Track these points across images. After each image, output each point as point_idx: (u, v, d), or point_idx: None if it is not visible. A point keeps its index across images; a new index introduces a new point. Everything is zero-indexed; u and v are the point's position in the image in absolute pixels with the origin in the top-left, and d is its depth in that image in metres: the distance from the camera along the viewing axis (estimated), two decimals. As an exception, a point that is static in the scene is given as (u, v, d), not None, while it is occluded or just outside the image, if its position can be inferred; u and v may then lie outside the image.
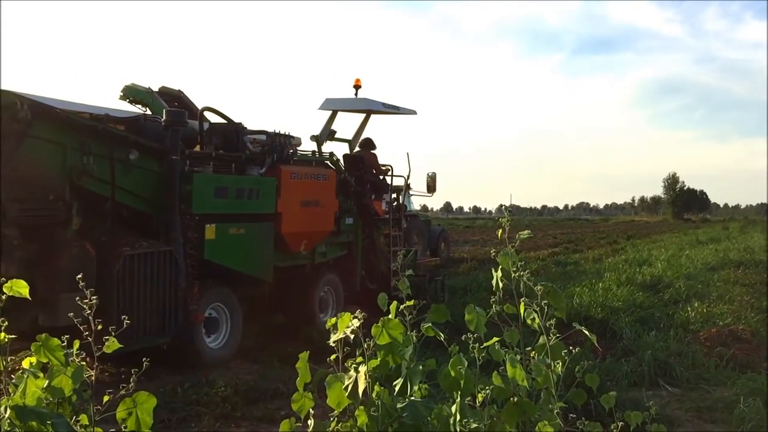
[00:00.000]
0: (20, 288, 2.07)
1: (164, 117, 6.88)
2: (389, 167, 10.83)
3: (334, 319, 2.31)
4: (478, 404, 2.29)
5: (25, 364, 2.05)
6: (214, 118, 8.04)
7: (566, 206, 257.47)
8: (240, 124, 7.88)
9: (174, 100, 9.04)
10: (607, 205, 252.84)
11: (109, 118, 6.78)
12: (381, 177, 10.78)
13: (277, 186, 7.87)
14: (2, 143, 5.39)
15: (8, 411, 1.86)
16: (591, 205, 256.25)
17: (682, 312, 9.51)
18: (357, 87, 10.56)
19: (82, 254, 5.82)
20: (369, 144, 10.97)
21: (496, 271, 2.35)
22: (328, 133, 10.30)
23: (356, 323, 2.20)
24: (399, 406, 2.16)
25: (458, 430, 2.21)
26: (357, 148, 10.91)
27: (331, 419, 2.21)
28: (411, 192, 11.29)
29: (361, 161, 10.43)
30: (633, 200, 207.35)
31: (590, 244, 29.21)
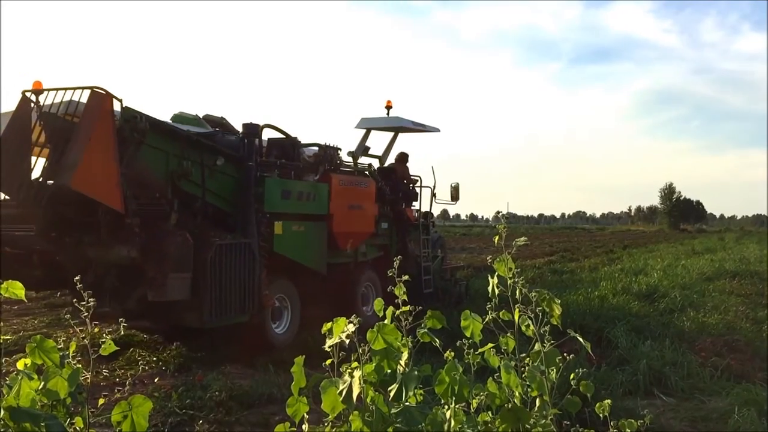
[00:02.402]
0: (16, 289, 2.06)
1: (242, 130, 8.13)
2: (418, 178, 11.99)
3: (329, 324, 2.32)
4: (472, 410, 2.29)
5: (20, 365, 2.04)
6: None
7: (563, 215, 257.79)
8: (296, 138, 9.01)
9: (217, 125, 9.49)
10: (603, 214, 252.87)
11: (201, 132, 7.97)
12: (411, 187, 11.90)
13: (329, 191, 9.13)
14: (125, 149, 6.59)
15: (2, 412, 1.86)
16: (588, 214, 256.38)
17: (677, 322, 9.53)
18: (389, 107, 11.52)
19: (184, 242, 6.80)
20: (403, 158, 12.06)
21: (492, 277, 2.36)
22: (363, 149, 11.34)
23: (351, 328, 2.21)
24: (393, 411, 2.16)
25: (452, 436, 2.21)
26: (392, 161, 11.99)
27: (326, 424, 2.21)
28: (436, 200, 12.33)
29: (393, 173, 11.58)
30: (630, 210, 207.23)
31: (586, 252, 29.25)
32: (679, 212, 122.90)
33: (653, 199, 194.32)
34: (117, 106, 6.70)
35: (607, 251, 30.56)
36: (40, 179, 6.83)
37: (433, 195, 12.25)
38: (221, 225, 7.70)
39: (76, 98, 6.80)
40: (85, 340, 2.08)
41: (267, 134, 8.90)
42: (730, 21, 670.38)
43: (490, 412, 2.29)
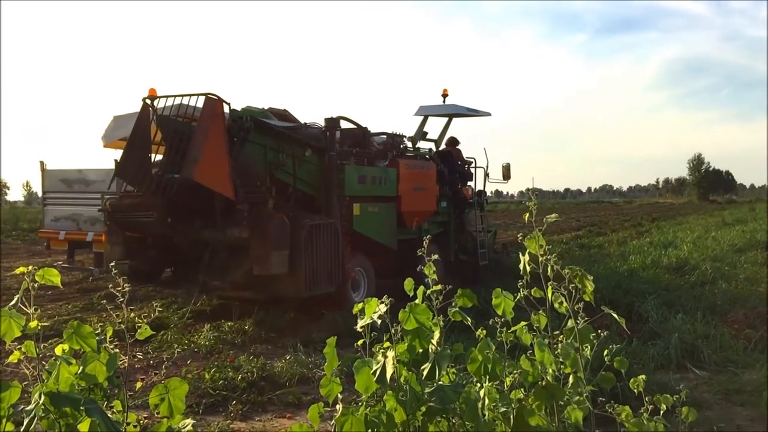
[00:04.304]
0: (52, 276, 2.09)
1: (324, 124, 9.03)
2: (473, 159, 12.83)
3: (361, 305, 2.32)
4: (505, 388, 2.28)
5: (58, 350, 2.08)
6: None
7: (589, 189, 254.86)
8: (366, 128, 10.07)
9: (282, 116, 9.88)
10: (630, 187, 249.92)
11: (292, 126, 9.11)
12: (466, 168, 12.76)
13: (397, 174, 10.13)
14: (233, 145, 7.79)
15: (42, 397, 1.89)
16: (614, 188, 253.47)
17: (708, 294, 9.40)
18: (445, 96, 12.32)
19: (282, 224, 7.88)
20: (454, 141, 12.83)
21: (523, 255, 2.34)
22: (421, 134, 12.11)
23: (383, 308, 2.21)
24: (427, 390, 2.16)
25: (486, 414, 2.21)
26: (443, 146, 12.68)
27: (360, 404, 2.22)
28: (489, 180, 13.19)
29: (450, 155, 12.42)
30: (657, 182, 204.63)
31: (614, 226, 28.93)
32: (708, 183, 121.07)
33: (682, 171, 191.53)
34: (226, 108, 7.83)
35: (635, 224, 30.21)
36: (159, 173, 8.02)
37: (486, 175, 13.09)
38: (308, 207, 8.84)
39: (185, 102, 8.06)
40: (122, 325, 2.10)
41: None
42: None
43: (523, 390, 2.29)
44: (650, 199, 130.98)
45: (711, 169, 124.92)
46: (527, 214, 2.31)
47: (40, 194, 14.39)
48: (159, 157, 8.57)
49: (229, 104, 7.84)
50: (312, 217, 8.44)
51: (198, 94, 7.82)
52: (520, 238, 2.37)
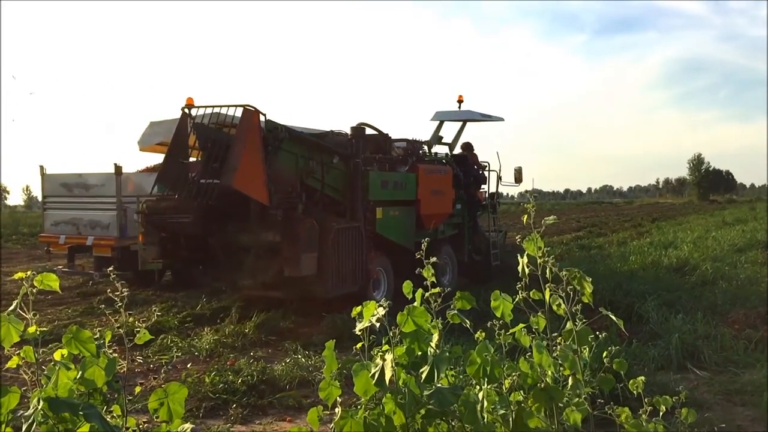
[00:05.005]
0: (50, 281, 2.09)
1: (350, 132, 9.57)
2: (487, 163, 13.18)
3: (359, 308, 2.32)
4: (504, 390, 2.28)
5: (57, 356, 2.07)
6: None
7: (589, 189, 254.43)
8: (387, 134, 10.56)
9: None
10: (631, 187, 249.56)
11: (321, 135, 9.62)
12: (480, 172, 13.06)
13: (417, 179, 10.49)
14: (268, 154, 8.18)
15: (41, 402, 1.89)
16: (614, 188, 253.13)
17: (709, 294, 9.40)
18: (460, 102, 12.80)
19: (311, 227, 8.34)
20: (469, 146, 13.17)
21: (522, 257, 2.34)
22: (437, 139, 12.48)
23: (381, 312, 2.21)
24: (426, 393, 2.16)
25: (485, 416, 2.21)
26: (458, 150, 13.00)
27: (359, 407, 2.22)
28: (502, 183, 13.53)
29: (466, 160, 12.69)
30: (657, 182, 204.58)
31: (614, 227, 28.91)
32: (708, 183, 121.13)
33: (682, 171, 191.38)
34: (261, 119, 8.22)
35: (635, 225, 30.19)
36: (196, 178, 8.45)
37: (499, 178, 13.43)
38: (334, 212, 9.22)
39: (220, 111, 8.54)
40: (121, 330, 2.10)
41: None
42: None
43: (522, 392, 2.29)
44: (650, 200, 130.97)
45: (711, 168, 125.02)
46: (526, 216, 2.32)
47: (40, 198, 14.38)
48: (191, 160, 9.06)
49: (264, 115, 8.28)
50: (338, 221, 8.91)
51: (235, 105, 8.25)
52: (519, 240, 2.37)
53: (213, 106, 8.62)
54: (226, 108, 8.44)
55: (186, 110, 8.72)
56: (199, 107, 8.69)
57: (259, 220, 8.48)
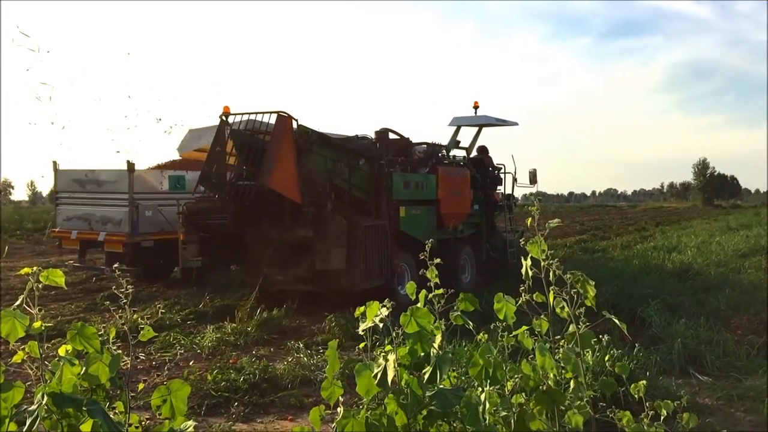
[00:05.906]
0: (56, 277, 2.10)
1: (374, 136, 10.32)
2: (502, 165, 13.82)
3: (362, 308, 2.33)
4: (506, 392, 2.29)
5: (61, 351, 2.08)
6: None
7: (594, 192, 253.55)
8: (408, 138, 11.26)
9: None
10: (635, 191, 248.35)
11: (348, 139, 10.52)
12: (496, 173, 13.74)
13: (437, 180, 11.21)
14: (300, 156, 8.90)
15: (45, 398, 1.90)
16: (619, 192, 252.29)
17: (712, 299, 9.39)
18: (476, 107, 13.38)
19: (341, 224, 9.08)
20: (484, 150, 13.82)
21: (525, 259, 2.34)
22: (455, 143, 13.06)
23: (385, 312, 2.22)
24: (428, 394, 2.17)
25: (487, 418, 2.21)
26: (474, 153, 13.64)
27: (361, 407, 2.23)
28: (517, 185, 13.95)
29: (482, 162, 13.41)
30: (662, 186, 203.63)
31: (618, 230, 28.84)
32: (712, 188, 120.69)
33: (686, 175, 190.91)
34: (294, 124, 8.88)
35: (639, 229, 30.11)
36: (233, 180, 9.18)
37: (515, 180, 13.90)
38: (360, 211, 9.87)
39: (254, 118, 9.20)
40: (125, 326, 2.11)
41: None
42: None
43: (524, 394, 2.29)
44: (655, 204, 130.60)
45: (716, 173, 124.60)
46: (530, 219, 2.32)
47: (45, 194, 14.50)
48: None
49: (296, 120, 8.91)
50: (365, 218, 9.61)
51: (269, 112, 8.90)
52: (522, 242, 2.37)
53: (248, 113, 9.27)
54: (261, 114, 9.08)
55: (223, 117, 9.39)
56: (235, 114, 9.38)
57: (292, 218, 9.18)
